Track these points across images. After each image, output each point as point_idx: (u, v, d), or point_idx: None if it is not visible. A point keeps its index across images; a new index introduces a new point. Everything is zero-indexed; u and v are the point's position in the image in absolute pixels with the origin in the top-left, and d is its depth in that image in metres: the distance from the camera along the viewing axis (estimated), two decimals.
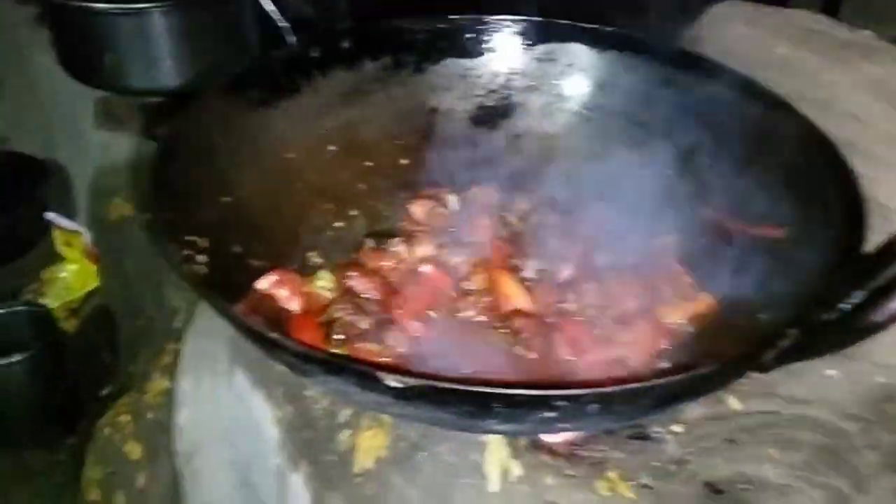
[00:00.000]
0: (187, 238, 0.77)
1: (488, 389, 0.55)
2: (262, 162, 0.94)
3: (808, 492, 0.79)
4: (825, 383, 0.89)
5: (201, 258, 0.77)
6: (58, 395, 1.54)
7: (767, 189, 0.88)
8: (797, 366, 0.89)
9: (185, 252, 0.75)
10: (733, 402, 0.86)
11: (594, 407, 0.56)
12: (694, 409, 0.86)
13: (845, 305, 0.56)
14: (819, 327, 0.58)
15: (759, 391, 0.88)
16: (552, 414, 0.57)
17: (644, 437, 0.84)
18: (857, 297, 0.56)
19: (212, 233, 0.81)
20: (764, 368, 0.61)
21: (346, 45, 1.03)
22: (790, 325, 0.59)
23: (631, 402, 0.59)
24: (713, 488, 0.78)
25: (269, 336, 0.60)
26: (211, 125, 0.90)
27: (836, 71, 0.95)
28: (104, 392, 1.54)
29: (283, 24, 0.97)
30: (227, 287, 0.79)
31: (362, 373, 0.57)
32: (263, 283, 0.83)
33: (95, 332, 1.71)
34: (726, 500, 0.77)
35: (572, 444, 0.81)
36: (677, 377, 0.56)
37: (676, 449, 0.82)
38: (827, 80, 0.96)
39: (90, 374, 1.62)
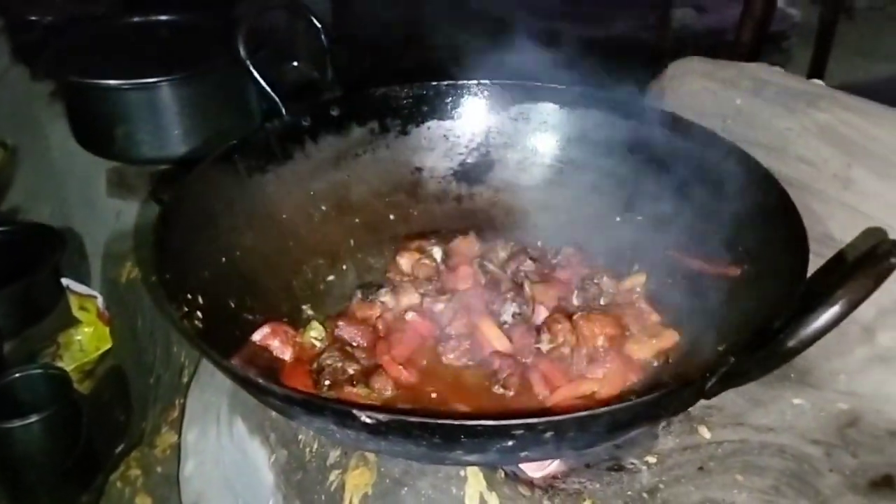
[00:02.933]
0: (188, 297, 0.84)
1: (451, 422, 0.61)
2: (257, 224, 1.02)
3: None
4: (792, 411, 0.94)
5: (199, 314, 0.83)
6: (74, 453, 1.59)
7: (725, 231, 0.94)
8: (765, 396, 0.95)
9: (185, 310, 0.82)
10: (704, 432, 0.92)
11: (549, 434, 0.62)
12: (667, 441, 0.91)
13: (771, 334, 0.62)
14: (751, 355, 0.64)
15: (729, 421, 0.93)
16: (511, 442, 0.62)
17: (620, 469, 0.89)
18: (779, 325, 0.62)
19: (209, 290, 0.88)
20: (707, 395, 0.67)
21: (334, 112, 1.11)
22: (727, 354, 0.65)
23: (583, 429, 0.64)
24: None
25: (256, 381, 0.66)
26: (209, 192, 0.97)
27: (788, 118, 1.02)
28: (118, 449, 1.58)
29: (274, 98, 1.05)
30: (223, 340, 0.85)
31: (338, 411, 0.63)
32: (258, 335, 0.90)
33: (109, 392, 1.76)
34: None
35: (552, 476, 0.86)
36: (622, 405, 0.61)
37: (650, 478, 0.87)
38: (780, 127, 1.03)
39: (105, 432, 1.66)
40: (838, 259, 0.84)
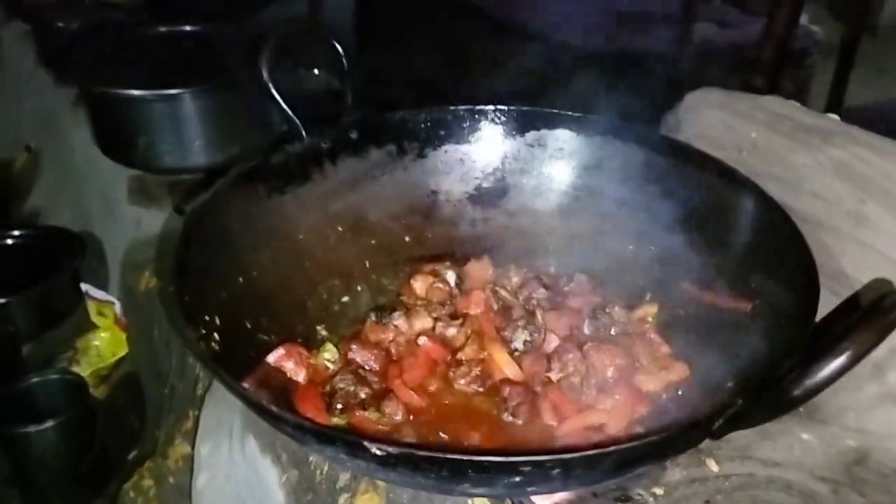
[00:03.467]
0: (205, 318, 0.86)
1: (461, 457, 0.62)
2: (275, 243, 1.03)
3: None
4: (800, 447, 0.94)
5: (216, 336, 0.85)
6: (88, 458, 1.61)
7: (737, 265, 0.95)
8: (774, 430, 0.96)
9: (203, 332, 0.83)
10: (712, 465, 0.92)
11: (557, 472, 0.63)
12: (674, 473, 0.92)
13: (779, 378, 0.63)
14: (757, 400, 0.65)
15: (737, 454, 0.93)
16: (519, 478, 0.63)
17: (627, 500, 0.89)
18: (786, 370, 0.63)
19: (226, 311, 0.89)
20: (714, 435, 0.67)
21: (353, 135, 1.13)
22: (735, 396, 0.66)
23: (591, 467, 0.65)
24: None
25: (270, 409, 0.68)
26: (228, 212, 0.99)
27: (803, 153, 1.03)
28: (131, 456, 1.61)
29: (295, 120, 1.06)
30: (238, 361, 0.87)
31: (350, 442, 0.65)
32: (272, 357, 0.92)
33: (124, 399, 1.78)
34: None
35: None
36: (629, 444, 0.62)
37: None
38: (795, 162, 1.03)
39: (119, 439, 1.68)
40: (851, 302, 0.84)
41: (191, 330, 0.80)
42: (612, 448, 0.62)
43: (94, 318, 1.85)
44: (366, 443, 0.63)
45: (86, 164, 2.03)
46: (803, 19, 3.43)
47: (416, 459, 0.63)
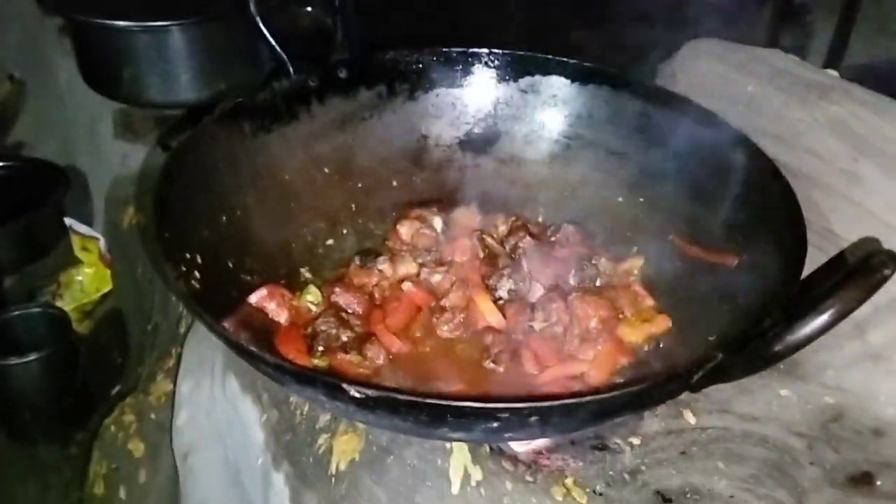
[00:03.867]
0: (185, 256, 0.85)
1: (440, 402, 0.62)
2: (259, 183, 1.02)
3: (752, 502, 0.85)
4: (778, 402, 0.95)
5: (197, 274, 0.84)
6: (70, 393, 1.62)
7: (726, 219, 0.94)
8: (753, 385, 0.96)
9: (183, 269, 0.82)
10: (689, 417, 0.93)
11: (534, 419, 0.63)
12: (652, 423, 0.92)
13: (761, 333, 0.63)
14: (737, 354, 0.65)
15: (715, 408, 0.94)
16: (497, 424, 0.63)
17: (604, 448, 0.90)
18: (768, 326, 0.62)
19: (208, 250, 0.88)
20: (693, 388, 0.68)
21: (342, 74, 1.10)
22: (715, 350, 0.65)
23: (568, 416, 0.65)
24: (663, 497, 0.85)
25: (248, 349, 0.67)
26: (212, 150, 0.97)
27: (800, 109, 1.01)
28: (114, 391, 1.61)
29: (283, 56, 1.04)
30: (220, 300, 0.86)
31: (328, 384, 0.64)
32: (254, 297, 0.91)
33: (107, 334, 1.78)
34: None
35: (537, 452, 0.88)
36: (607, 395, 0.62)
37: (632, 459, 0.88)
38: (791, 117, 1.02)
39: (101, 374, 1.68)
40: (837, 260, 0.84)
41: (170, 268, 0.78)
42: (590, 398, 0.62)
43: (79, 254, 1.84)
44: (345, 385, 0.63)
45: (71, 97, 2.00)
46: None
47: (395, 403, 0.63)
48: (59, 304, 1.76)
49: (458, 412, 0.62)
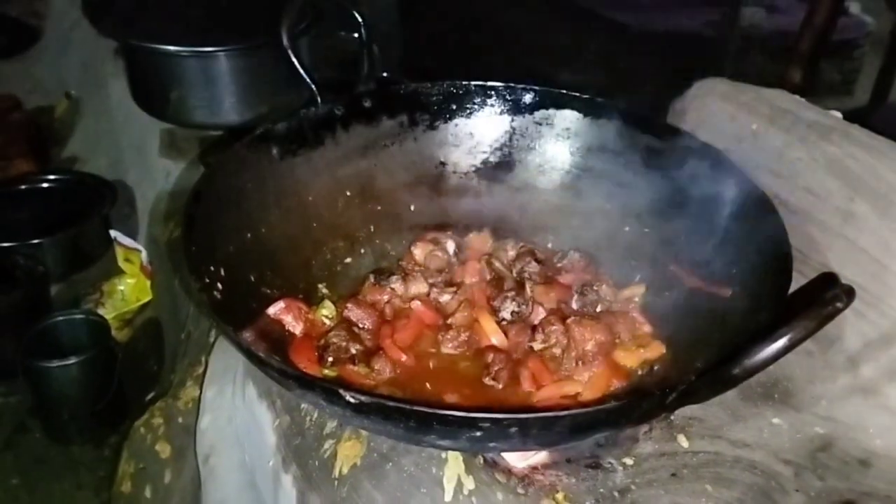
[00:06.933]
0: (210, 269, 0.91)
1: (424, 409, 0.67)
2: (284, 203, 1.08)
3: None
4: (769, 429, 0.98)
5: (219, 286, 0.91)
6: (107, 397, 1.70)
7: (723, 252, 0.98)
8: (747, 412, 0.99)
9: (206, 281, 0.89)
10: (682, 441, 0.96)
11: (514, 430, 0.68)
12: (646, 445, 0.96)
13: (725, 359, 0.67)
14: (702, 377, 0.69)
15: (708, 433, 0.98)
16: (479, 433, 0.68)
17: (597, 466, 0.94)
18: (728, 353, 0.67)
19: (232, 263, 0.95)
20: (668, 409, 0.72)
21: (367, 104, 1.17)
22: (691, 374, 0.70)
23: (546, 428, 0.70)
24: None
25: (257, 354, 0.74)
26: (241, 171, 1.04)
27: (799, 148, 1.05)
28: (148, 397, 1.69)
29: (312, 87, 1.11)
30: (241, 311, 0.93)
31: (326, 389, 0.70)
32: (272, 309, 0.97)
33: (145, 343, 1.87)
34: None
35: (532, 467, 0.92)
36: (581, 410, 0.67)
37: (623, 479, 0.92)
38: (791, 156, 1.06)
39: (137, 380, 1.77)
40: (800, 294, 0.88)
41: (195, 279, 0.85)
42: (565, 412, 0.66)
43: (122, 264, 1.93)
44: (340, 390, 0.69)
45: (122, 115, 2.10)
46: (855, 8, 3.36)
47: (385, 409, 0.68)
48: (101, 311, 1.85)
49: (443, 420, 0.67)
